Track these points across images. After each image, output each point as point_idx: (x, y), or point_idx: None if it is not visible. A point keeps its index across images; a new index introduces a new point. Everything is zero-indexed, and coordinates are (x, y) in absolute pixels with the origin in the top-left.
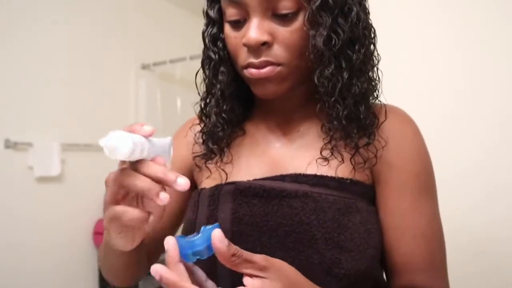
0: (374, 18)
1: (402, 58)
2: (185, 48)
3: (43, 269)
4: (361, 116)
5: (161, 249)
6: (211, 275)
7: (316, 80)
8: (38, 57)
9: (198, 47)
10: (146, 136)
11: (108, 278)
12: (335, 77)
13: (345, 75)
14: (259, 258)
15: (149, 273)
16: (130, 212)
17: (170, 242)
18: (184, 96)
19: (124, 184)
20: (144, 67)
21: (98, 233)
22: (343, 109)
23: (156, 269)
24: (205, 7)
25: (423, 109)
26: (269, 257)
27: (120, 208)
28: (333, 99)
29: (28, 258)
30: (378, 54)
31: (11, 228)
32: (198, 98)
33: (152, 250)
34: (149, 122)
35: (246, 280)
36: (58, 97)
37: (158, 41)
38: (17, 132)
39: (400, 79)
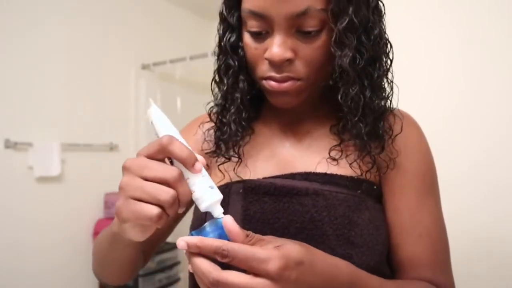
0: None
1: (403, 58)
2: (185, 48)
3: (43, 269)
4: (380, 131)
5: (155, 247)
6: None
7: (340, 99)
8: (38, 57)
9: (198, 47)
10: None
11: (104, 275)
12: (358, 96)
13: (367, 93)
14: (269, 237)
15: (147, 273)
16: (146, 210)
17: (188, 239)
18: (184, 96)
19: (166, 149)
20: (144, 67)
21: (98, 233)
22: (365, 127)
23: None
24: (223, 11)
25: (424, 110)
26: (278, 237)
27: (139, 205)
28: (356, 118)
29: (28, 258)
30: (392, 68)
31: (11, 228)
32: (198, 98)
33: (147, 246)
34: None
35: (264, 249)
36: (58, 97)
37: (158, 41)
38: (17, 132)
39: (401, 79)
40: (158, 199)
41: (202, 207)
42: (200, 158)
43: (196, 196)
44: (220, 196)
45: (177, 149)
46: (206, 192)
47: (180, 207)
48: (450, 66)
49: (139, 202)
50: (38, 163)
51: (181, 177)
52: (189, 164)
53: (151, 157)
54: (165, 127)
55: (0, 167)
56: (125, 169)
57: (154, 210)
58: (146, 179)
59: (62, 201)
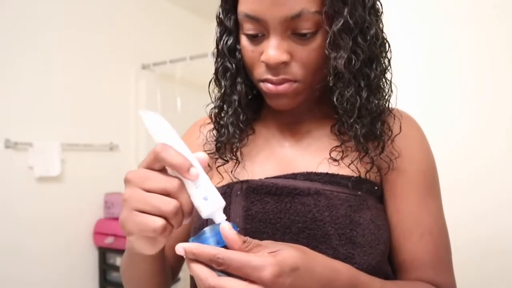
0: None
1: (409, 59)
2: (185, 48)
3: (43, 269)
4: (378, 132)
5: (181, 260)
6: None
7: (335, 101)
8: (38, 57)
9: (198, 47)
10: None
11: None
12: (354, 97)
13: (364, 94)
14: (267, 242)
15: None
16: (150, 221)
17: (186, 245)
18: (184, 96)
19: (159, 157)
20: (144, 67)
21: (98, 233)
22: (361, 128)
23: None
24: (219, 13)
25: (425, 110)
26: (276, 242)
27: (143, 217)
28: (352, 119)
29: (28, 258)
30: (391, 68)
31: (11, 228)
32: (198, 98)
33: (172, 261)
34: None
35: (259, 256)
36: (58, 97)
37: (158, 41)
38: (17, 132)
39: (400, 79)
40: (161, 210)
41: (203, 217)
42: (203, 158)
43: (195, 206)
44: (219, 204)
45: (169, 156)
46: (201, 204)
47: (184, 217)
48: (459, 67)
49: (143, 214)
50: (38, 163)
51: (181, 187)
52: (182, 171)
53: (149, 167)
54: (161, 134)
55: (0, 167)
56: (126, 181)
57: (158, 222)
58: (148, 191)
59: (62, 201)
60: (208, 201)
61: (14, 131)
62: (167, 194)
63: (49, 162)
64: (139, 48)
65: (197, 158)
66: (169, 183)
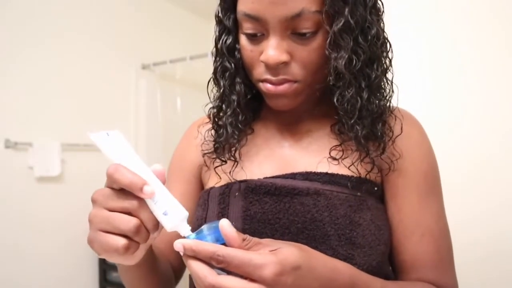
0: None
1: (409, 59)
2: (185, 48)
3: (42, 269)
4: (379, 133)
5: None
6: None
7: (335, 102)
8: (38, 57)
9: (198, 47)
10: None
11: None
12: (354, 98)
13: (364, 94)
14: (267, 240)
15: None
16: (112, 242)
17: (185, 241)
18: (184, 96)
19: (112, 178)
20: (144, 67)
21: None
22: (362, 129)
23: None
24: (218, 12)
25: (427, 109)
26: (276, 240)
27: (102, 237)
28: (352, 120)
29: (27, 258)
30: (392, 68)
31: (11, 228)
32: (198, 98)
33: (172, 258)
34: (149, 122)
35: (260, 254)
36: (58, 97)
37: (158, 41)
38: (17, 132)
39: (401, 78)
40: (121, 230)
41: (168, 230)
42: (159, 170)
43: (159, 220)
44: (181, 217)
45: (120, 177)
46: (162, 219)
47: (150, 232)
48: (457, 65)
49: (106, 234)
50: (38, 163)
51: (142, 205)
52: (135, 190)
53: (110, 187)
54: (114, 154)
55: (0, 167)
56: (92, 201)
57: (120, 241)
58: (111, 210)
59: (62, 201)
60: (169, 216)
61: (14, 131)
62: (128, 212)
63: (49, 162)
64: (139, 48)
65: (153, 171)
66: (129, 202)
